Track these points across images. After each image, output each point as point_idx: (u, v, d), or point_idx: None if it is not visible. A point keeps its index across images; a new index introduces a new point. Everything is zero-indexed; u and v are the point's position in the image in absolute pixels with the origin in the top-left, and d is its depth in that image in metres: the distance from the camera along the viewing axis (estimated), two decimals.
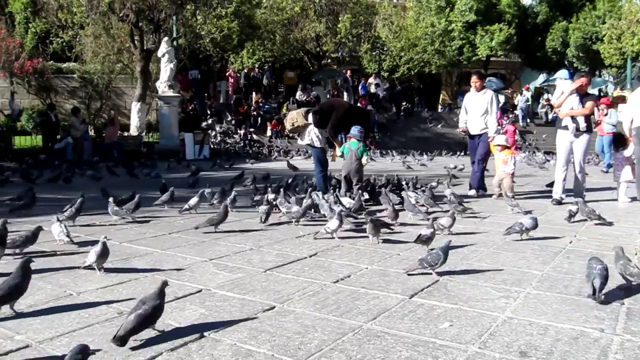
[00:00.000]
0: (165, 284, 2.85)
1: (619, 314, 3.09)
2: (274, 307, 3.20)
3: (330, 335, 2.75)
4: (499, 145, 8.30)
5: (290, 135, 13.52)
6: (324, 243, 4.98)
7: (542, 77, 33.80)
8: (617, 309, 3.16)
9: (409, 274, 3.83)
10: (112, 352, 2.55)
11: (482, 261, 4.26)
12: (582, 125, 7.54)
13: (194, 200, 6.55)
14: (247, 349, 2.60)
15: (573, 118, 7.56)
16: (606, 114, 14.89)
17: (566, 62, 32.04)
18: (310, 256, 4.48)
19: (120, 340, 2.54)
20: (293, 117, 8.12)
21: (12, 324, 2.92)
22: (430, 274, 3.77)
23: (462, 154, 19.58)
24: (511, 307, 3.20)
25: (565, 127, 7.62)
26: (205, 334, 2.78)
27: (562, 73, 8.68)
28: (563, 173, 7.75)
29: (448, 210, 6.13)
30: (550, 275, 3.89)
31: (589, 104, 7.52)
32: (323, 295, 3.44)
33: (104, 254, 3.84)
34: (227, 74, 26.63)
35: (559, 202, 7.54)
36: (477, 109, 8.38)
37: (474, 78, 8.57)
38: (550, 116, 19.20)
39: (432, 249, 3.96)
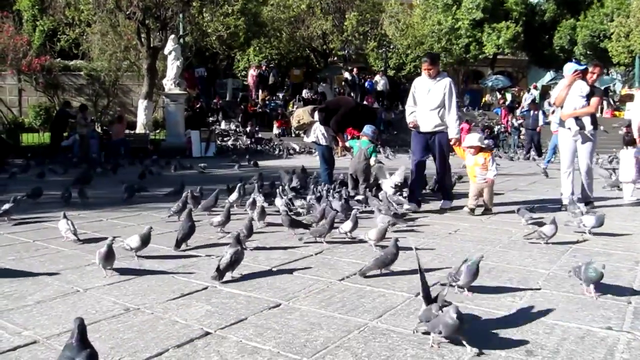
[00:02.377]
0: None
1: (625, 312, 3.08)
2: (280, 305, 3.21)
3: (335, 333, 2.75)
4: (471, 147, 6.77)
5: (296, 132, 13.50)
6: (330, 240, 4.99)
7: (549, 75, 33.62)
8: (624, 308, 3.14)
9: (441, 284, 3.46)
10: (119, 348, 2.56)
11: (488, 259, 4.25)
12: (589, 126, 6.86)
13: (233, 196, 6.70)
14: (253, 346, 2.61)
15: (577, 118, 6.88)
16: (553, 112, 14.93)
17: (574, 60, 31.88)
18: (316, 254, 4.48)
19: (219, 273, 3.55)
20: (299, 114, 8.15)
21: (20, 319, 2.94)
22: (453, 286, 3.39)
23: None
24: (517, 306, 3.19)
25: (568, 129, 6.95)
26: (211, 331, 2.79)
27: (569, 67, 7.32)
28: (569, 176, 7.11)
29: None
30: (557, 274, 3.88)
31: (594, 100, 6.88)
32: (329, 293, 3.44)
33: (108, 256, 3.71)
34: (250, 67, 26.53)
35: (567, 208, 6.79)
36: (429, 101, 6.73)
37: (425, 63, 6.75)
38: (541, 120, 18.34)
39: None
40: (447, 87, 6.64)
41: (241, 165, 12.96)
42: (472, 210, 6.59)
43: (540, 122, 18.37)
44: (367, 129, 7.97)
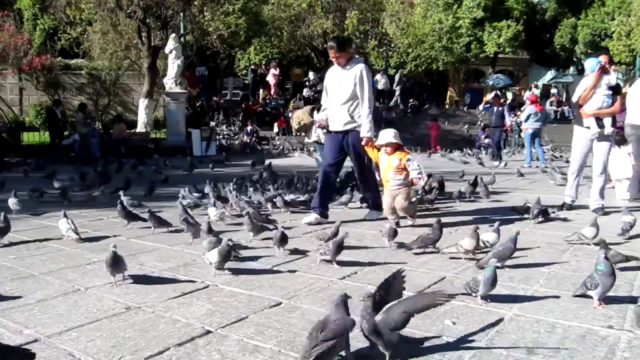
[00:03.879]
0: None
1: (626, 311, 3.08)
2: (281, 303, 3.21)
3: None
4: (385, 146, 5.69)
5: (297, 133, 13.43)
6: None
7: (550, 74, 33.63)
8: (625, 307, 3.14)
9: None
10: (120, 347, 2.57)
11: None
12: (609, 128, 6.43)
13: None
14: (254, 345, 2.61)
15: (598, 118, 6.43)
16: (522, 110, 15.13)
17: (575, 59, 31.89)
18: (317, 252, 4.48)
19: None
20: (299, 115, 8.15)
21: (22, 318, 2.94)
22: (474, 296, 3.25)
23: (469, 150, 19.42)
24: (518, 304, 3.19)
25: (587, 128, 6.49)
26: (212, 329, 2.80)
27: (590, 64, 6.60)
28: (575, 179, 6.78)
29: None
30: (558, 272, 3.88)
31: (618, 99, 6.49)
32: (330, 291, 3.44)
33: (115, 262, 3.50)
34: (269, 69, 26.51)
35: (570, 207, 6.73)
36: (339, 94, 5.79)
37: (332, 50, 5.77)
38: (507, 118, 17.25)
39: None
40: (357, 75, 5.67)
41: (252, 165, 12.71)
42: (396, 225, 5.30)
43: (508, 121, 16.86)
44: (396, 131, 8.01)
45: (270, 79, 26.17)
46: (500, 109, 16.54)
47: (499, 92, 30.33)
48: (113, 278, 3.55)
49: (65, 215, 4.98)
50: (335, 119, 5.90)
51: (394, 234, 4.62)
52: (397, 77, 28.70)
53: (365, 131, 5.71)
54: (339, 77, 5.79)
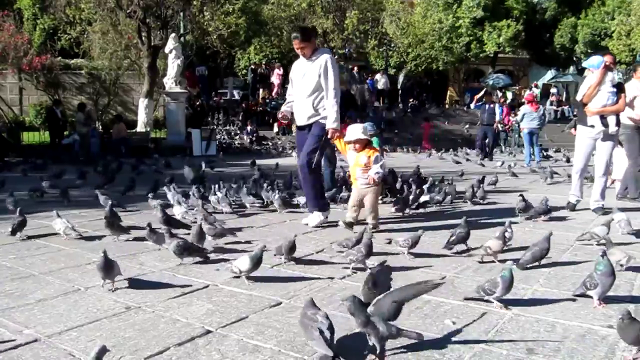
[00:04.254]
0: None
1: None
2: (281, 303, 3.21)
3: (337, 331, 2.75)
4: (353, 142, 5.37)
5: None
6: (331, 239, 4.98)
7: (550, 74, 33.62)
8: (625, 307, 3.14)
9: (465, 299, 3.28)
10: (120, 346, 2.57)
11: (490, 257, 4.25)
12: (613, 127, 6.35)
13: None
14: (254, 345, 2.61)
15: (602, 117, 6.35)
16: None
17: (575, 59, 31.91)
18: (317, 252, 4.49)
19: None
20: None
21: (22, 317, 2.94)
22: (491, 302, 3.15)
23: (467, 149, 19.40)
24: (518, 304, 3.18)
25: (592, 126, 6.42)
26: (212, 329, 2.80)
27: (594, 61, 6.59)
28: (579, 178, 6.71)
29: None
30: (558, 272, 3.88)
31: (622, 97, 6.43)
32: (330, 291, 3.44)
33: (106, 267, 3.39)
34: (275, 68, 26.44)
35: (574, 207, 6.70)
36: (304, 86, 5.54)
37: (296, 40, 5.50)
38: (497, 115, 16.04)
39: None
40: (322, 66, 5.40)
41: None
42: (349, 225, 5.32)
43: (497, 118, 16.14)
44: (368, 127, 7.95)
45: (275, 79, 26.05)
46: (491, 106, 16.08)
47: (499, 92, 30.36)
48: (103, 282, 3.45)
49: (57, 215, 4.96)
50: (300, 112, 5.65)
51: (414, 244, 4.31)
52: (401, 78, 28.62)
53: (330, 122, 5.40)
54: (304, 69, 5.54)
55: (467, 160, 15.35)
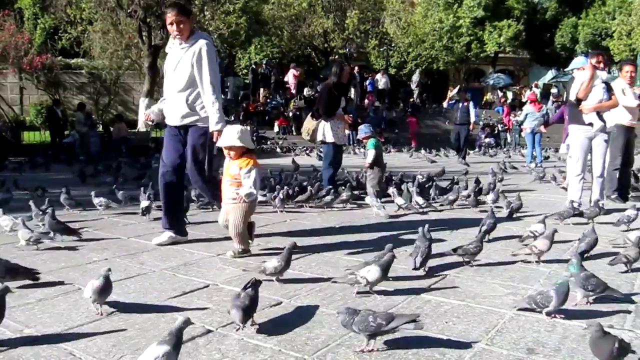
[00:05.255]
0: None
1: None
2: (281, 303, 3.21)
3: (337, 331, 2.75)
4: (227, 149, 4.35)
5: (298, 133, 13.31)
6: (331, 239, 4.99)
7: (550, 74, 33.60)
8: (625, 307, 3.14)
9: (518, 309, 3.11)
10: (120, 346, 2.57)
11: (490, 257, 4.25)
12: (610, 124, 6.35)
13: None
14: (254, 344, 2.61)
15: (599, 114, 6.29)
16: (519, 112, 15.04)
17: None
18: (318, 252, 4.48)
19: None
20: (306, 127, 8.05)
21: (22, 317, 2.95)
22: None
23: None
24: (519, 304, 3.18)
25: (590, 124, 6.31)
26: (213, 328, 2.80)
27: (579, 61, 6.75)
28: (580, 180, 6.49)
29: None
30: (558, 272, 3.87)
31: (614, 95, 6.48)
32: (330, 291, 3.44)
33: (104, 290, 2.97)
34: (290, 69, 26.31)
35: (579, 213, 6.18)
36: (176, 78, 4.59)
37: (169, 16, 4.48)
38: (472, 115, 14.85)
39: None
40: (196, 53, 4.46)
41: None
42: (237, 253, 4.33)
43: (473, 118, 15.01)
44: (364, 128, 7.99)
45: (291, 79, 25.81)
46: (465, 104, 14.85)
47: (499, 92, 30.29)
48: (94, 307, 3.01)
49: (4, 213, 4.95)
50: (172, 110, 4.67)
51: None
52: (415, 78, 28.48)
53: (213, 124, 4.47)
54: (178, 57, 4.57)
55: (446, 157, 15.39)
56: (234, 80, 27.54)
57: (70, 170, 10.34)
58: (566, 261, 4.16)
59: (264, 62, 27.32)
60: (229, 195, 4.39)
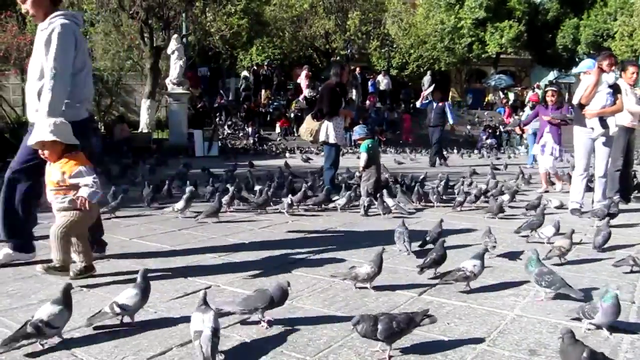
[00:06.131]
0: None
1: (629, 312, 3.08)
2: None
3: (339, 332, 2.75)
4: (39, 148, 3.54)
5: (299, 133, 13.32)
6: (332, 239, 4.99)
7: (552, 75, 33.64)
8: (628, 308, 3.14)
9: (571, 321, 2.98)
10: (122, 346, 2.57)
11: (492, 259, 4.24)
12: (613, 128, 6.31)
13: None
14: (256, 345, 2.61)
15: (602, 118, 6.27)
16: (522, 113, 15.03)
17: (577, 59, 31.85)
18: (319, 253, 4.48)
19: None
20: (307, 128, 8.04)
21: (24, 317, 2.94)
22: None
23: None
24: (520, 305, 3.19)
25: (591, 129, 6.35)
26: None
27: (586, 64, 6.78)
28: (583, 181, 6.49)
29: None
30: (560, 273, 3.86)
31: (620, 98, 6.38)
32: (332, 292, 3.44)
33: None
34: (302, 70, 26.20)
35: (581, 214, 6.31)
36: (31, 66, 3.97)
37: None
38: (450, 117, 14.00)
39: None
40: (47, 34, 3.71)
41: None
42: (57, 269, 3.65)
43: (450, 120, 14.15)
44: (358, 129, 8.01)
45: (303, 80, 25.67)
46: (440, 104, 13.96)
47: (501, 93, 30.22)
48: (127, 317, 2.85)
49: None
50: (28, 104, 4.00)
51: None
52: (426, 79, 28.24)
53: (42, 115, 3.64)
54: (36, 42, 3.88)
55: (411, 160, 15.57)
56: (235, 81, 27.60)
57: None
58: (568, 262, 4.17)
59: (266, 63, 27.37)
60: (57, 206, 3.63)
